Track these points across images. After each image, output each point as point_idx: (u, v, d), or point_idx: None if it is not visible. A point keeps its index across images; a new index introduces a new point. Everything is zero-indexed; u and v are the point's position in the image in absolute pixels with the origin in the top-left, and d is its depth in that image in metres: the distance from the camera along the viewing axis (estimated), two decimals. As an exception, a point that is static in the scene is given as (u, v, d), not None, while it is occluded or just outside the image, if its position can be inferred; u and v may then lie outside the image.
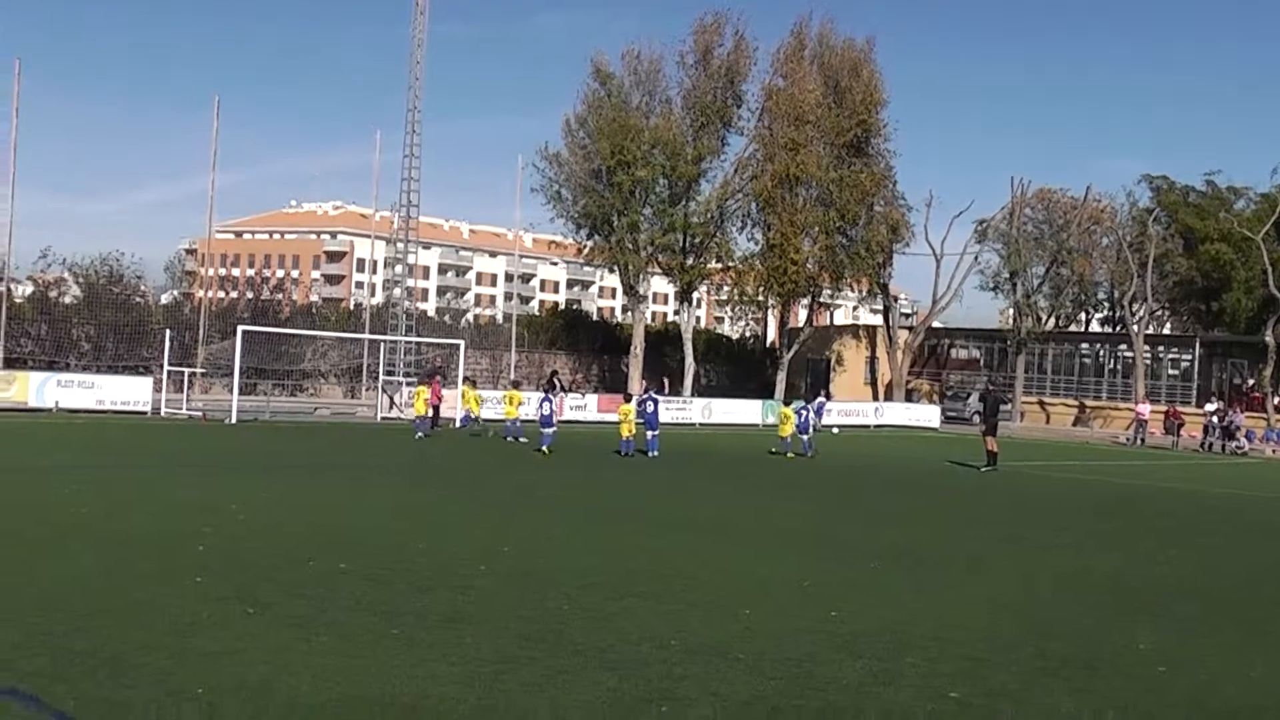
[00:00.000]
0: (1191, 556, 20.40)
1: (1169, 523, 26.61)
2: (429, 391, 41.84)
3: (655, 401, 37.77)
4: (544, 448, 34.93)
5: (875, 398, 78.20)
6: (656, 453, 35.99)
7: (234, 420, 41.28)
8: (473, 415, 43.82)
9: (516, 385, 46.01)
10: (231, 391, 44.46)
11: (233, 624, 11.20)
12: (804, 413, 40.50)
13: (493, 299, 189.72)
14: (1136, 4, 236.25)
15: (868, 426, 64.38)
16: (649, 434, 36.49)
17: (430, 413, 41.93)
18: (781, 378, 71.23)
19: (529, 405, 42.20)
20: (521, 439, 38.38)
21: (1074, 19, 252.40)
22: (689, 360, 67.21)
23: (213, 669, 9.60)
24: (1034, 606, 14.53)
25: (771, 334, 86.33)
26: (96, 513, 18.26)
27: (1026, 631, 12.86)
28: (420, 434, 39.67)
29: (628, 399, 37.82)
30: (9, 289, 51.68)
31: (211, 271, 76.07)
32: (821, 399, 61.48)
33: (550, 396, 38.35)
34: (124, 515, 18.19)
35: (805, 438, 39.71)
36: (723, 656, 10.87)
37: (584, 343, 75.44)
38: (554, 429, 36.23)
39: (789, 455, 39.20)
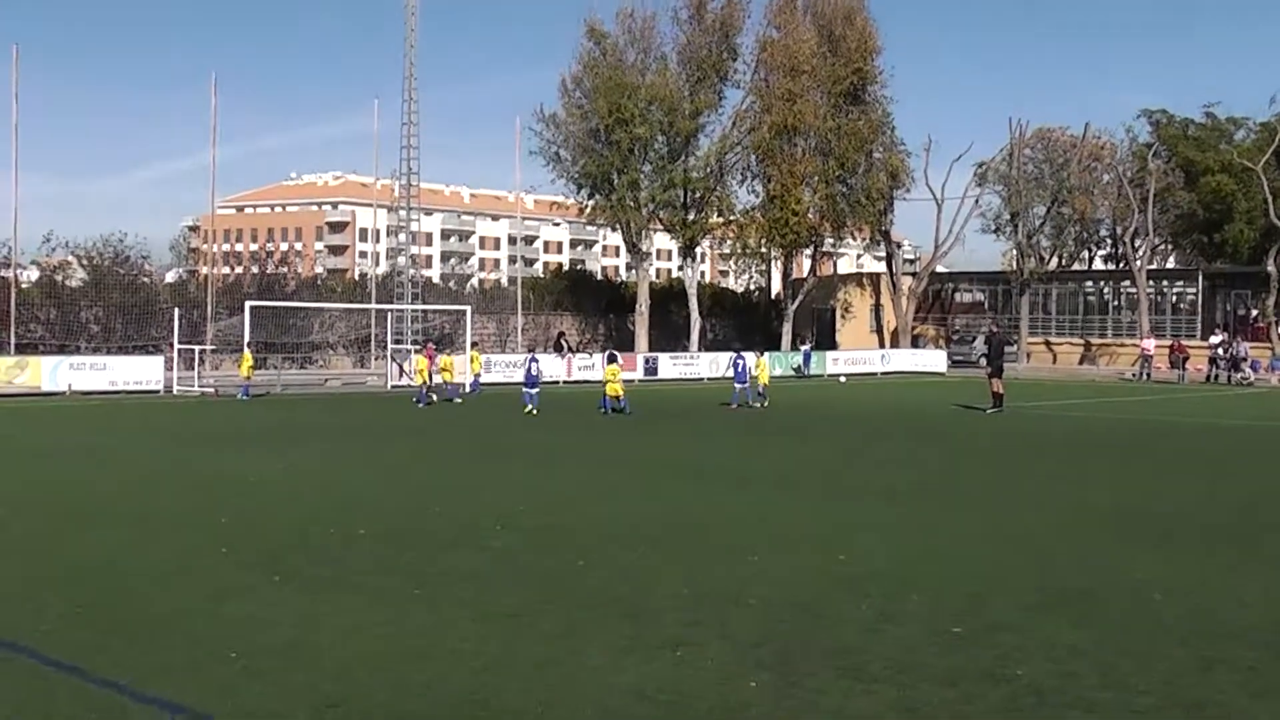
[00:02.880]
0: (1193, 486, 20.75)
1: (1175, 455, 26.99)
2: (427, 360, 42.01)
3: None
4: (530, 408, 35.16)
5: (881, 345, 78.45)
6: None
7: (246, 395, 41.63)
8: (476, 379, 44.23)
9: (475, 346, 46.39)
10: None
11: (261, 590, 11.62)
12: (739, 363, 39.91)
13: (496, 262, 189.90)
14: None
15: (875, 374, 64.75)
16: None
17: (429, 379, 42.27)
18: (787, 329, 71.42)
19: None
20: (457, 399, 39.03)
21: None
22: (694, 315, 67.44)
23: (245, 632, 10.03)
24: (1035, 541, 14.88)
25: (776, 286, 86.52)
26: (118, 490, 18.72)
27: (1027, 565, 13.25)
28: (419, 402, 39.47)
29: (611, 359, 37.73)
30: (15, 275, 52.06)
31: (217, 248, 76.26)
32: (806, 347, 62.15)
33: (536, 356, 38.98)
34: (145, 491, 18.62)
35: (738, 389, 39.20)
36: (734, 601, 11.27)
37: (589, 303, 75.52)
38: (538, 389, 36.25)
39: (764, 404, 38.91)
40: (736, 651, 9.56)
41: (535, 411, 34.86)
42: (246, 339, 43.54)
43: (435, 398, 40.26)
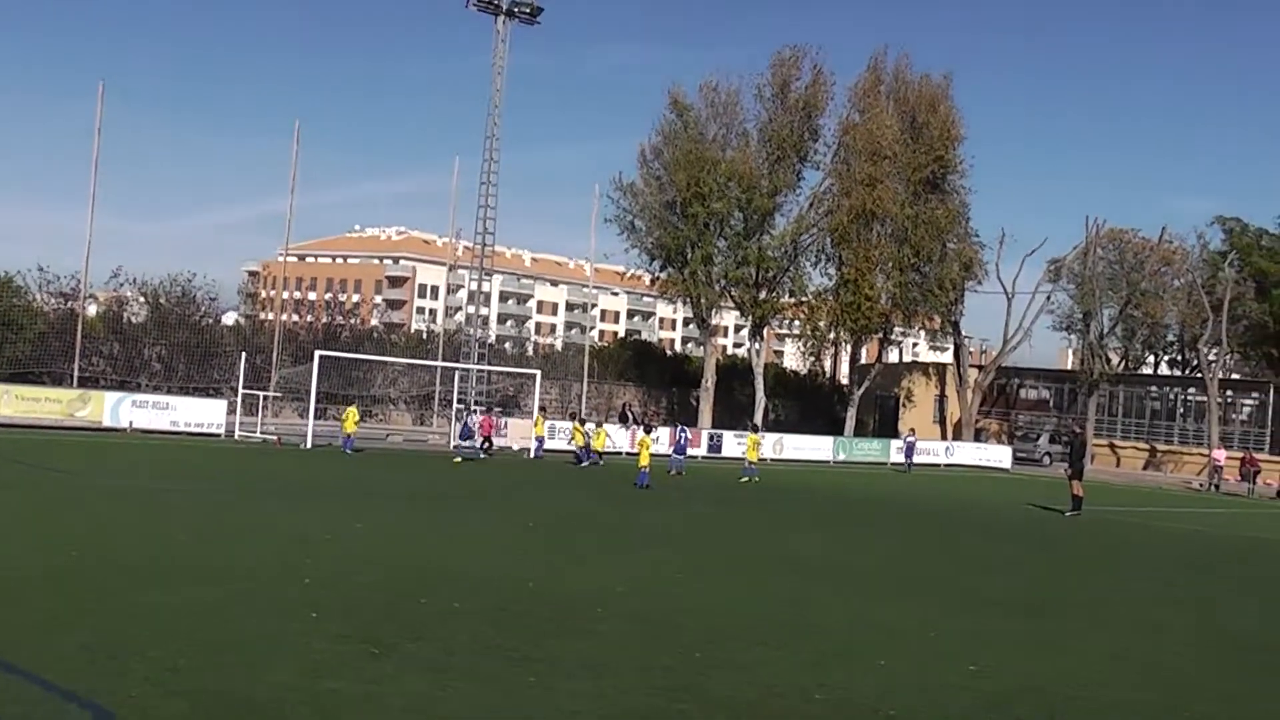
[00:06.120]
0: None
1: (1274, 573, 25.96)
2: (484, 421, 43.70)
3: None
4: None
5: (944, 436, 77.34)
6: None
7: (309, 445, 41.03)
8: (581, 446, 43.80)
9: (542, 410, 48.25)
10: (305, 416, 44.27)
11: (361, 666, 10.80)
12: (684, 436, 46.46)
13: (553, 328, 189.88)
14: (1209, 47, 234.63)
15: (939, 465, 63.60)
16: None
17: (481, 441, 42.50)
18: (851, 414, 70.31)
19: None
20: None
21: (1148, 60, 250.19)
22: (760, 394, 66.44)
23: (354, 714, 9.21)
24: (1168, 665, 13.95)
25: (838, 369, 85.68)
26: (189, 541, 17.92)
27: (1171, 693, 12.36)
28: (581, 463, 42.57)
29: (647, 430, 39.49)
30: (84, 307, 51.71)
31: (288, 294, 76.11)
32: (911, 438, 61.62)
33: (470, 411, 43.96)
34: (219, 544, 17.82)
35: (677, 458, 43.08)
36: (875, 713, 10.43)
37: (652, 375, 74.69)
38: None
39: (754, 480, 41.22)
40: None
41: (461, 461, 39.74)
42: (314, 391, 42.86)
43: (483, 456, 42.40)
